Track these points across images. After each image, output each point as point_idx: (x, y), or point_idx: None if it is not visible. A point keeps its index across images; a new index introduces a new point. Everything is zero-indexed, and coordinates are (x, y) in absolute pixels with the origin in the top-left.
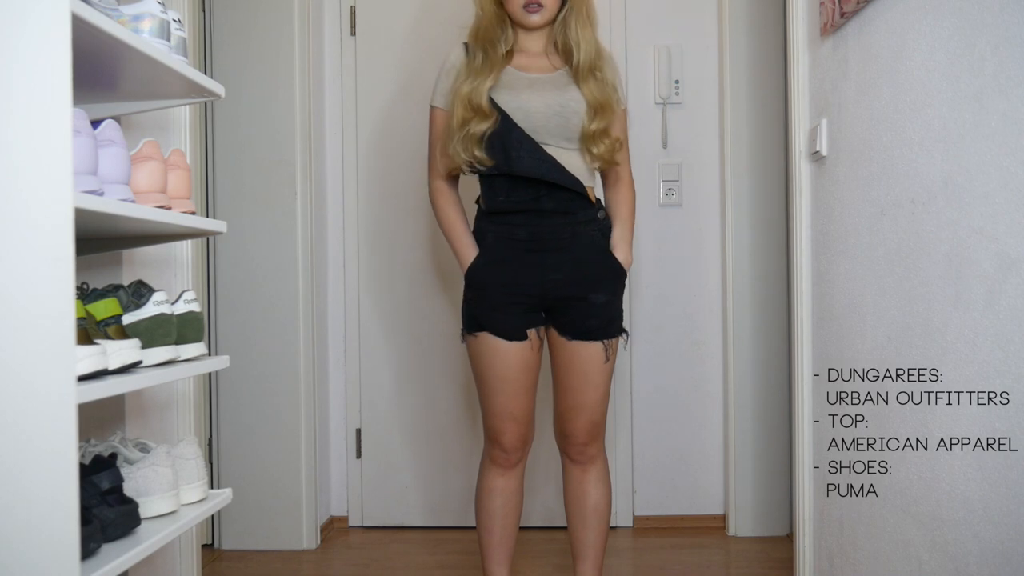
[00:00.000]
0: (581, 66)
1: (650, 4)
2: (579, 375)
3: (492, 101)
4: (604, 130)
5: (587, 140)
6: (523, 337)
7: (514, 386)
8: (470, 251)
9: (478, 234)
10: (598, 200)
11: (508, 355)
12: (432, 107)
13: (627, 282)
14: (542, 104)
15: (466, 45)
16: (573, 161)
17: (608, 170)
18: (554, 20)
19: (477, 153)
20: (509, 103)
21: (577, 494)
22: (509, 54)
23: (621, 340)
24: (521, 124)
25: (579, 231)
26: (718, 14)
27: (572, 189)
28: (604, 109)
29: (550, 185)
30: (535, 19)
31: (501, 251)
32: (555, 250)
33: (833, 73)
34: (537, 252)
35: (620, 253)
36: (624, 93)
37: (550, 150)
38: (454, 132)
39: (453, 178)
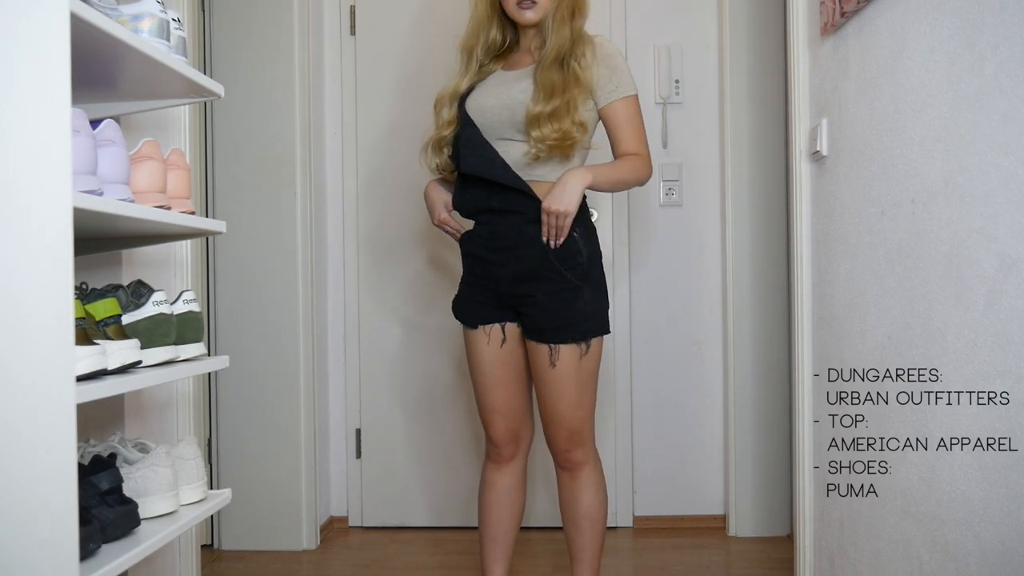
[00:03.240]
0: (545, 56)
1: (650, 4)
2: (541, 382)
3: (462, 103)
4: (551, 114)
5: (529, 124)
6: (475, 325)
7: (491, 380)
8: (432, 193)
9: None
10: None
11: (480, 347)
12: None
13: (627, 282)
14: (494, 100)
15: None
16: (522, 154)
17: (619, 151)
18: (544, 19)
19: (436, 160)
20: (470, 103)
21: (568, 500)
22: (505, 54)
23: (587, 345)
24: (478, 121)
25: (525, 230)
26: (718, 14)
27: (514, 187)
28: (555, 92)
29: (499, 183)
30: (529, 15)
31: (470, 247)
32: (506, 248)
33: (833, 73)
34: (494, 250)
35: (572, 176)
36: (629, 80)
37: (504, 144)
38: (431, 139)
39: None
